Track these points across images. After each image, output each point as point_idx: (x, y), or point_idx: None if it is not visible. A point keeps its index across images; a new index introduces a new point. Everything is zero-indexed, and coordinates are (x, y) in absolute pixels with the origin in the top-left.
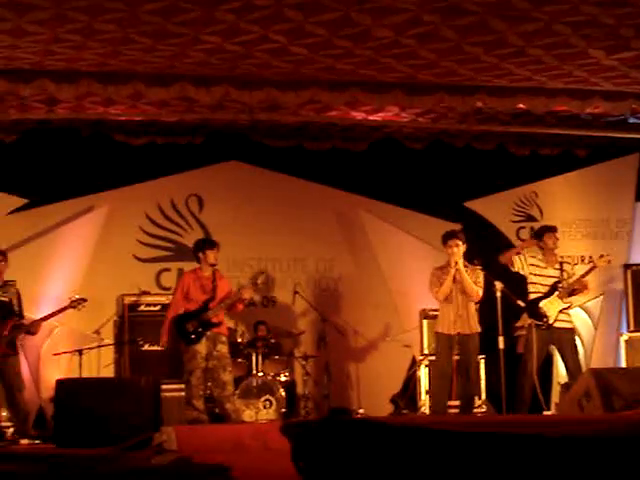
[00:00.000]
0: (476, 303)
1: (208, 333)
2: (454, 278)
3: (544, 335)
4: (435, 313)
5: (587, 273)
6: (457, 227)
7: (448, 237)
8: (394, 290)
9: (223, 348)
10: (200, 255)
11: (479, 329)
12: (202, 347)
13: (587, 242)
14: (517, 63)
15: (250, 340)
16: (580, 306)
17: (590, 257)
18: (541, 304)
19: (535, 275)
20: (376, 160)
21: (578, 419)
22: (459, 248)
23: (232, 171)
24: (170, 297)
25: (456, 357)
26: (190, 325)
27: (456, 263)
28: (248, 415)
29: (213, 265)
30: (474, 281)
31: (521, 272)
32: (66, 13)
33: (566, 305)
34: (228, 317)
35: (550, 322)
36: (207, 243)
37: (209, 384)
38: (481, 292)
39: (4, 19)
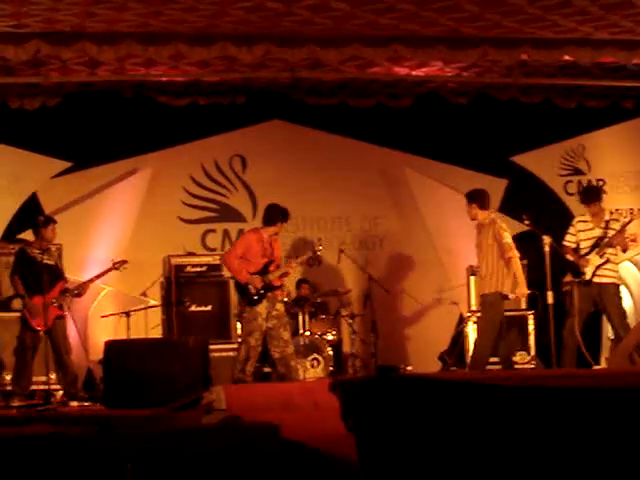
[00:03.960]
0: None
1: (269, 294)
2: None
3: (585, 291)
4: None
5: (624, 226)
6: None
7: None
8: (440, 247)
9: (281, 307)
10: (277, 223)
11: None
12: (263, 308)
13: (636, 194)
14: (562, 14)
15: (295, 299)
16: (630, 260)
17: None
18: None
19: (583, 232)
20: (420, 116)
21: (629, 372)
22: None
23: (275, 130)
24: (216, 258)
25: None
26: (253, 286)
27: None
28: None
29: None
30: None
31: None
32: None
33: (603, 261)
34: None
35: (587, 278)
36: (285, 216)
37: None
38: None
39: None
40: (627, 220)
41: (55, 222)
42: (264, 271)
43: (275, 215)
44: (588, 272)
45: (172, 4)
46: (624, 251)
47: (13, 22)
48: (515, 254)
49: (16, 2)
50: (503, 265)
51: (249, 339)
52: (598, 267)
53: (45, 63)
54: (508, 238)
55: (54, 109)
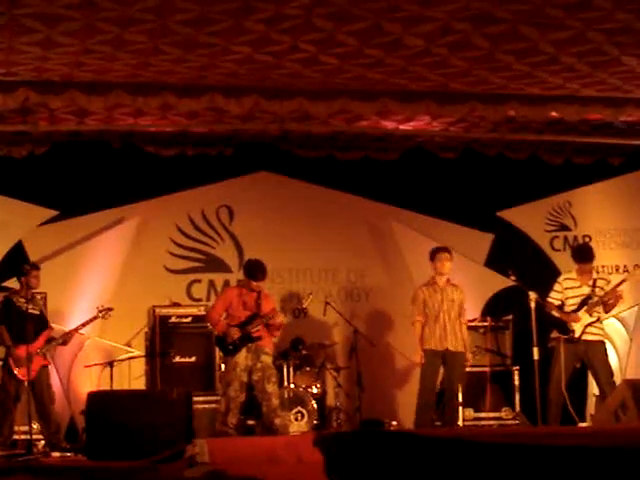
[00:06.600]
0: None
1: (250, 345)
2: None
3: (572, 348)
4: (471, 324)
5: (617, 286)
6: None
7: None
8: None
9: (267, 359)
10: (247, 278)
11: None
12: (241, 359)
13: (622, 251)
14: (550, 71)
15: (280, 351)
16: (615, 316)
17: (625, 267)
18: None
19: (570, 289)
20: (408, 170)
21: (614, 430)
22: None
23: (262, 182)
24: (201, 309)
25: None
26: (229, 337)
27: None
28: None
29: (255, 290)
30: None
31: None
32: (96, 24)
33: (593, 319)
34: None
35: (576, 336)
36: (255, 274)
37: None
38: None
39: (35, 31)
40: (619, 281)
41: (39, 269)
42: (248, 322)
43: (251, 270)
44: (577, 329)
45: (161, 55)
46: (607, 311)
47: (2, 70)
48: None
49: (5, 50)
50: None
51: (228, 390)
52: (588, 325)
53: (34, 112)
54: None
55: (42, 157)
